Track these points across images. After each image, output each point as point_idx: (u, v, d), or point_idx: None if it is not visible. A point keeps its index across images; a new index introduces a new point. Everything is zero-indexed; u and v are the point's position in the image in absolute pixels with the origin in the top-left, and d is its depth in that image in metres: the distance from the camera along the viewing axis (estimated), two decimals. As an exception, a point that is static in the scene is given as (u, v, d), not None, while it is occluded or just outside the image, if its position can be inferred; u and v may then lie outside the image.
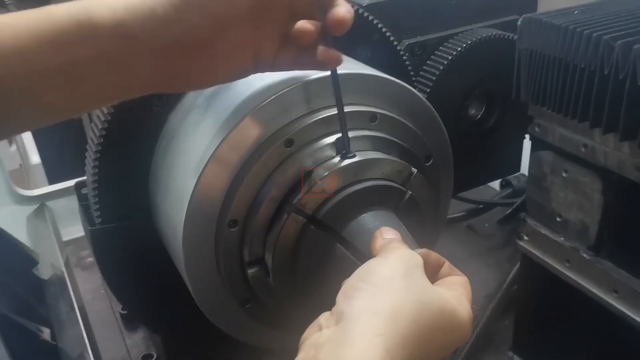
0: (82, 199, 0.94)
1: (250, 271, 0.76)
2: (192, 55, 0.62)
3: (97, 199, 0.86)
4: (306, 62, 0.69)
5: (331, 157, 0.73)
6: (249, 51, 0.66)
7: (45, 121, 0.63)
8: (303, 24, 0.65)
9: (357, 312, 0.52)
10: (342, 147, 0.73)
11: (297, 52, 0.69)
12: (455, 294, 0.59)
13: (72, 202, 1.62)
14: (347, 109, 0.73)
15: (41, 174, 2.14)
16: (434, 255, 0.64)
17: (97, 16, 0.57)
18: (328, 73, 0.73)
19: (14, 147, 2.65)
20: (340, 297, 0.55)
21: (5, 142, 2.41)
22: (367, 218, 0.72)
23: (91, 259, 1.51)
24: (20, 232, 1.52)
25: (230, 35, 0.63)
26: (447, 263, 0.65)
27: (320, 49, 0.66)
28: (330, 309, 0.60)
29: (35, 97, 0.58)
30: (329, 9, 0.64)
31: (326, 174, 0.72)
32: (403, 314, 0.52)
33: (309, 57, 0.68)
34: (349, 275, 0.62)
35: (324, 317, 0.55)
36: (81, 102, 0.62)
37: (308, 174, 0.72)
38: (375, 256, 0.62)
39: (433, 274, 0.63)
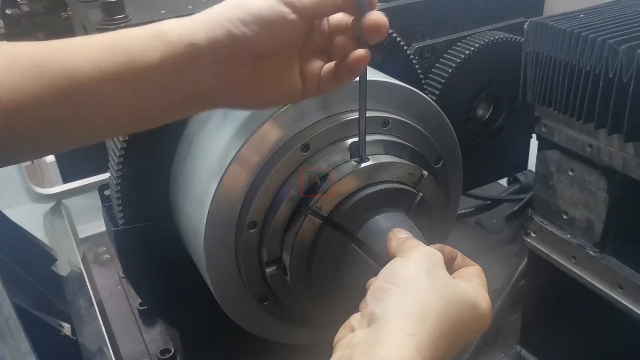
0: (105, 201, 0.97)
1: (269, 270, 0.78)
2: (248, 65, 0.65)
3: (120, 201, 0.89)
4: (342, 74, 0.71)
5: (345, 161, 0.76)
6: (297, 79, 0.68)
7: (104, 134, 0.67)
8: (357, 53, 0.68)
9: (387, 313, 0.55)
10: (357, 151, 0.75)
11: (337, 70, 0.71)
12: (473, 285, 0.62)
13: (88, 200, 1.66)
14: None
15: (55, 171, 2.16)
16: (447, 248, 0.67)
17: (167, 28, 0.62)
18: None
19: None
20: (369, 299, 0.58)
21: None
22: (381, 219, 0.75)
23: (108, 256, 1.54)
24: (37, 230, 1.55)
25: (283, 56, 0.66)
26: (459, 254, 0.67)
27: (350, 55, 0.69)
28: (345, 307, 0.63)
29: (104, 106, 0.61)
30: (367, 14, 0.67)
31: (341, 177, 0.74)
32: (430, 312, 0.55)
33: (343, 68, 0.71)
34: (363, 274, 0.65)
35: (355, 319, 0.58)
36: (144, 112, 0.65)
37: (323, 177, 0.75)
38: (392, 256, 0.65)
39: (448, 267, 0.65)
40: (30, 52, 0.59)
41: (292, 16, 0.63)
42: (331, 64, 0.70)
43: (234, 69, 0.64)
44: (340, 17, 0.69)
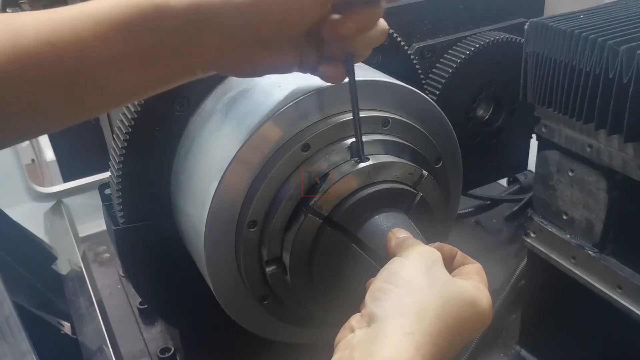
0: (105, 200, 0.97)
1: (269, 269, 0.79)
2: (255, 43, 0.65)
3: (120, 200, 0.89)
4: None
5: (346, 161, 0.76)
6: (295, 55, 0.69)
7: (114, 104, 0.66)
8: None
9: (386, 313, 0.56)
10: (357, 151, 0.76)
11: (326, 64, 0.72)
12: (473, 283, 0.62)
13: (88, 199, 1.66)
14: (360, 114, 0.76)
15: (55, 170, 2.17)
16: (446, 247, 0.67)
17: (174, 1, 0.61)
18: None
19: (25, 143, 2.67)
20: (369, 300, 0.58)
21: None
22: (381, 219, 0.75)
23: (108, 255, 1.54)
24: (37, 229, 1.55)
25: (291, 40, 0.67)
26: (459, 252, 0.67)
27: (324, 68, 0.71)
28: (345, 307, 0.63)
29: (115, 78, 0.61)
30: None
31: (341, 177, 0.75)
32: (429, 311, 0.56)
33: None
34: (363, 274, 0.65)
35: (354, 319, 0.58)
36: (151, 82, 0.65)
37: (324, 177, 0.75)
38: (392, 255, 0.65)
39: (448, 265, 0.65)
40: (33, 27, 0.58)
41: (309, 2, 0.63)
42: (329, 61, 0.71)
43: (241, 46, 0.64)
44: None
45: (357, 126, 0.74)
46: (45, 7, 1.97)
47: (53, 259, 1.44)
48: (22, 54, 0.56)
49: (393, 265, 0.62)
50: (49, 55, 0.57)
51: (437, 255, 0.63)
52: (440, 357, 0.55)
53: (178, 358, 1.15)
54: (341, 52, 0.70)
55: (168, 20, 0.60)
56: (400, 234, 0.69)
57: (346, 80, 0.73)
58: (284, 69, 0.71)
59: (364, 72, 0.84)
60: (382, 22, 0.70)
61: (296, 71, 0.72)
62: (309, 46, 0.69)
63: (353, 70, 0.72)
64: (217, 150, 0.79)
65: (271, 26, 0.64)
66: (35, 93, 0.58)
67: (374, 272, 0.62)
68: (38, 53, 0.57)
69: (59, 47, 0.57)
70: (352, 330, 0.57)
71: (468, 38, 1.11)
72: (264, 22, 0.63)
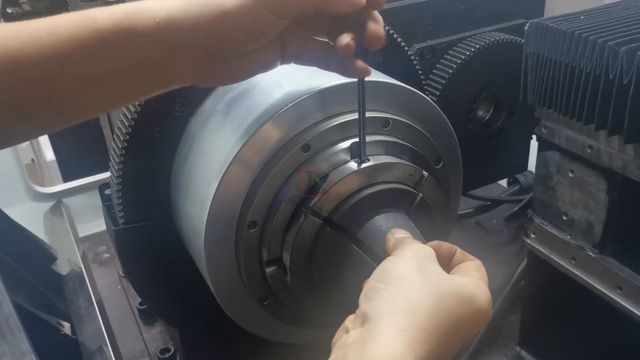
0: (105, 200, 0.97)
1: (269, 270, 0.79)
2: (228, 59, 0.66)
3: (120, 200, 0.89)
4: (331, 64, 0.72)
5: (346, 161, 0.76)
6: (277, 49, 0.69)
7: (87, 116, 0.66)
8: (347, 40, 0.67)
9: (378, 312, 0.55)
10: (357, 152, 0.76)
11: (322, 51, 0.71)
12: (471, 279, 0.61)
13: (88, 199, 1.66)
14: (359, 114, 0.76)
15: (55, 170, 2.17)
16: (445, 245, 0.67)
17: (140, 25, 0.61)
18: (341, 81, 0.76)
19: (25, 143, 2.67)
20: (362, 300, 0.58)
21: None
22: (381, 220, 0.75)
23: (107, 255, 1.54)
24: (37, 229, 1.55)
25: (262, 47, 0.67)
26: (458, 250, 0.67)
27: (357, 62, 0.69)
28: (345, 307, 0.63)
29: (79, 98, 0.62)
30: (367, 23, 0.68)
31: (341, 177, 0.75)
32: (421, 308, 0.55)
33: (334, 59, 0.71)
34: (363, 275, 0.65)
35: (349, 320, 0.58)
36: (123, 99, 0.66)
37: (324, 177, 0.75)
38: (389, 255, 0.65)
39: (447, 262, 0.65)
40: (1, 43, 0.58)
41: (271, 17, 0.63)
42: (316, 41, 0.70)
43: (215, 62, 0.65)
44: None
45: (361, 126, 0.74)
46: (45, 7, 1.94)
47: (53, 259, 1.44)
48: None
49: (386, 264, 0.62)
50: (13, 70, 0.57)
51: (431, 252, 0.62)
52: (437, 353, 0.55)
53: (178, 358, 1.15)
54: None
55: (135, 46, 0.61)
56: (398, 234, 0.69)
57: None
58: (266, 69, 0.71)
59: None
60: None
61: (279, 64, 0.72)
62: (289, 38, 0.69)
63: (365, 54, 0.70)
64: (217, 151, 0.79)
65: (237, 45, 0.64)
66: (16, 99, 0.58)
67: (372, 273, 0.62)
68: (2, 70, 0.57)
69: (23, 64, 0.57)
70: (347, 331, 0.57)
71: (468, 39, 1.11)
72: (230, 42, 0.63)
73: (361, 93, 0.72)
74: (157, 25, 0.61)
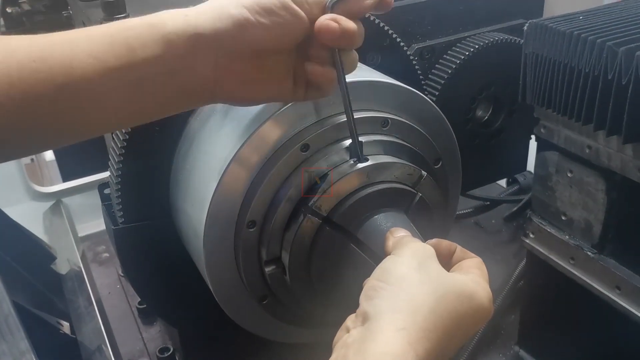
0: (105, 199, 0.97)
1: (268, 269, 0.79)
2: (251, 61, 0.65)
3: (119, 199, 0.89)
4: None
5: (345, 161, 0.76)
6: (290, 77, 0.69)
7: (104, 128, 0.67)
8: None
9: (379, 311, 0.56)
10: (356, 152, 0.76)
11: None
12: (471, 277, 0.61)
13: (88, 199, 1.66)
14: (359, 114, 0.76)
15: (55, 170, 2.17)
16: (444, 242, 0.67)
17: (168, 18, 0.62)
18: None
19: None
20: (362, 299, 0.59)
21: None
22: (380, 219, 0.75)
23: (107, 255, 1.55)
24: (37, 228, 1.55)
25: (286, 56, 0.67)
26: (458, 247, 0.67)
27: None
28: (344, 307, 0.63)
29: (103, 100, 0.61)
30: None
31: (340, 177, 0.75)
32: (422, 307, 0.55)
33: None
34: (362, 274, 0.65)
35: (350, 320, 0.59)
36: (140, 106, 0.65)
37: (323, 177, 0.75)
38: (389, 254, 0.65)
39: (447, 260, 0.65)
40: (26, 46, 0.58)
41: (302, 14, 0.63)
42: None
43: (237, 63, 0.65)
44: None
45: (353, 126, 0.74)
46: (45, 7, 1.95)
47: (52, 258, 1.44)
48: (12, 68, 0.56)
49: (386, 263, 0.62)
50: (38, 70, 0.57)
51: (430, 251, 0.63)
52: (437, 351, 0.55)
53: (177, 358, 1.15)
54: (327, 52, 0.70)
55: (162, 38, 0.61)
56: (398, 233, 0.69)
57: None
58: (281, 94, 0.71)
59: (363, 73, 0.85)
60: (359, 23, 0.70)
61: (289, 101, 0.72)
62: (298, 69, 0.69)
63: (342, 67, 0.71)
64: (216, 150, 0.80)
65: (266, 40, 0.64)
66: (21, 111, 0.58)
67: (372, 272, 0.62)
68: (29, 68, 0.57)
69: (49, 62, 0.57)
70: (348, 330, 0.57)
71: (467, 39, 1.11)
72: (259, 35, 0.63)
73: (346, 93, 0.73)
74: (185, 19, 0.62)
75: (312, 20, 0.65)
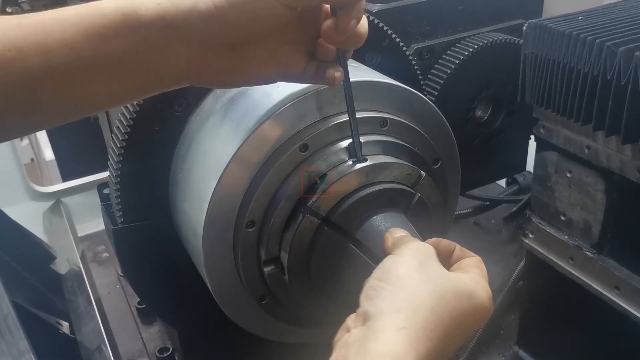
0: (104, 199, 0.97)
1: (267, 269, 0.79)
2: (226, 52, 0.65)
3: (119, 199, 0.89)
4: (322, 77, 0.72)
5: (344, 161, 0.76)
6: (280, 62, 0.68)
7: (85, 112, 0.66)
8: (332, 74, 0.69)
9: (379, 310, 0.56)
10: (355, 152, 0.76)
11: (318, 68, 0.71)
12: (471, 276, 0.61)
13: (87, 199, 1.66)
14: (358, 114, 0.76)
15: (55, 170, 2.17)
16: (444, 242, 0.67)
17: (142, 8, 0.61)
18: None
19: (25, 142, 2.68)
20: (363, 299, 0.59)
21: (17, 137, 2.43)
22: (379, 219, 0.75)
23: (107, 254, 1.55)
24: (36, 228, 1.56)
25: (265, 43, 0.66)
26: (457, 247, 0.67)
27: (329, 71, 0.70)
28: (343, 306, 0.63)
29: (81, 87, 0.61)
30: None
31: (339, 177, 0.75)
32: (422, 306, 0.56)
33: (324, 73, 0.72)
34: (361, 274, 0.65)
35: (350, 319, 0.59)
36: (122, 92, 0.65)
37: (322, 177, 0.75)
38: (389, 254, 0.65)
39: (446, 259, 0.65)
40: (2, 30, 0.58)
41: (274, 4, 0.62)
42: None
43: (210, 55, 0.64)
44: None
45: (354, 127, 0.74)
46: (45, 6, 1.96)
47: (52, 258, 1.44)
48: None
49: (386, 263, 0.62)
50: (14, 59, 0.57)
51: (430, 250, 0.63)
52: (438, 351, 0.55)
53: (176, 358, 1.16)
54: (332, 52, 0.70)
55: (135, 29, 0.61)
56: (397, 233, 0.69)
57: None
58: (264, 79, 0.70)
59: (362, 73, 0.85)
60: (364, 19, 0.69)
61: (280, 81, 0.71)
62: (294, 56, 0.69)
63: (347, 66, 0.71)
64: (215, 150, 0.80)
65: (237, 32, 0.63)
66: None
67: (371, 272, 0.62)
68: (3, 57, 0.57)
69: (24, 51, 0.57)
70: (348, 330, 0.57)
71: (467, 39, 1.11)
72: (230, 27, 0.63)
73: (348, 93, 0.73)
74: (158, 8, 0.61)
75: (290, 7, 0.63)
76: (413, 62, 1.03)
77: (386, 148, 0.80)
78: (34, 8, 1.90)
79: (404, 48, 1.01)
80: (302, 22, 0.67)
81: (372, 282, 0.59)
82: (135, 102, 0.84)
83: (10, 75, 0.58)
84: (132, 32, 0.60)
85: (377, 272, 0.61)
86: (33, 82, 0.59)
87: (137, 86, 0.65)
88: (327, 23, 0.66)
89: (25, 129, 0.68)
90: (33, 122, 0.65)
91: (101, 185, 1.01)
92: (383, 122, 0.81)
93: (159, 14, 0.61)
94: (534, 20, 0.87)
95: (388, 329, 0.54)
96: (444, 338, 0.56)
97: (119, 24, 0.60)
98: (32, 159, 2.58)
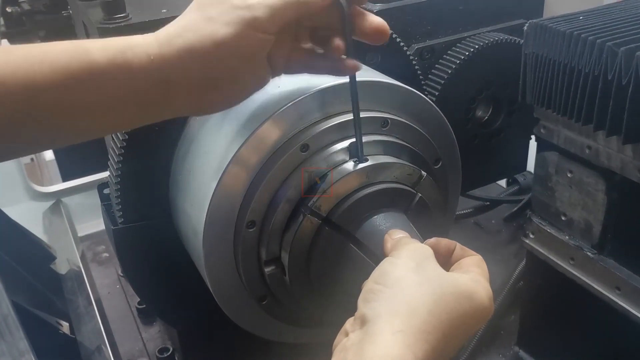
0: (104, 199, 0.97)
1: (267, 270, 0.79)
2: (222, 87, 0.66)
3: (119, 199, 0.89)
4: (321, 67, 0.73)
5: (344, 161, 0.76)
6: (265, 66, 0.69)
7: (76, 141, 0.67)
8: (336, 43, 0.69)
9: (377, 314, 0.55)
10: (356, 152, 0.76)
11: (309, 57, 0.72)
12: (471, 276, 0.61)
13: (87, 199, 1.66)
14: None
15: (55, 170, 2.17)
16: (443, 242, 0.66)
17: (135, 62, 0.61)
18: (340, 81, 0.76)
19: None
20: (360, 302, 0.58)
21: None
22: (379, 219, 0.75)
23: (107, 255, 1.55)
24: (36, 228, 1.55)
25: (252, 65, 0.67)
26: (458, 246, 0.67)
27: (346, 60, 0.70)
28: (344, 307, 0.63)
29: (72, 123, 0.62)
30: (360, 20, 0.69)
31: (340, 177, 0.75)
32: (419, 308, 0.55)
33: (322, 62, 0.72)
34: (361, 274, 0.65)
35: (349, 323, 0.59)
36: (114, 128, 0.68)
37: (322, 177, 0.75)
38: (387, 256, 0.65)
39: (446, 259, 0.65)
40: None
41: (261, 36, 0.63)
42: (301, 49, 0.71)
43: (208, 93, 0.66)
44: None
45: (358, 126, 0.74)
46: (45, 6, 1.93)
47: (52, 258, 1.44)
48: None
49: (383, 265, 0.62)
50: (2, 96, 0.57)
51: (428, 251, 0.62)
52: (437, 352, 0.54)
53: (176, 358, 1.15)
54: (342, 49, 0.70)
55: (130, 79, 0.61)
56: (396, 235, 0.69)
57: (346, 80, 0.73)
58: (258, 88, 0.71)
59: (363, 73, 0.84)
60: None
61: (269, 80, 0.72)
62: (274, 51, 0.69)
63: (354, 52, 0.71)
64: (216, 150, 0.79)
65: (235, 65, 0.65)
66: None
67: (371, 273, 0.62)
68: None
69: (12, 89, 0.57)
70: (347, 334, 0.57)
71: (467, 39, 1.11)
72: (229, 62, 0.64)
73: (354, 91, 0.73)
74: (151, 62, 0.61)
75: (273, 33, 0.64)
76: (414, 62, 1.03)
77: (387, 148, 0.79)
78: (33, 8, 1.90)
79: (405, 48, 1.01)
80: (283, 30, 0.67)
81: (370, 285, 0.59)
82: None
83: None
84: (125, 83, 0.61)
85: (375, 274, 0.61)
86: (20, 114, 0.59)
87: (132, 122, 0.67)
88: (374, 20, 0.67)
89: (12, 154, 0.68)
90: (21, 148, 0.66)
91: (101, 185, 1.01)
92: (384, 122, 0.80)
93: (153, 68, 0.61)
94: (534, 20, 0.87)
95: (385, 332, 0.53)
96: (442, 340, 0.55)
97: (111, 74, 0.60)
98: (32, 159, 2.57)
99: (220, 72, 0.64)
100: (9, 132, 0.60)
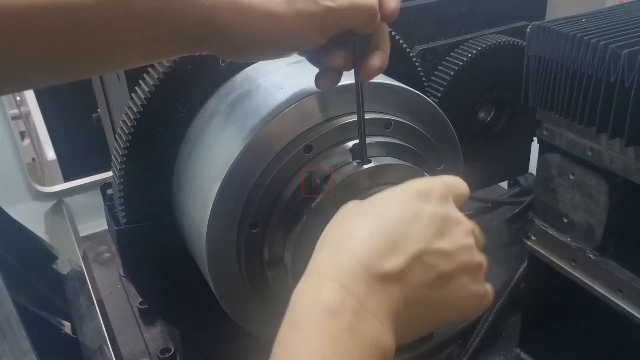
0: (107, 200, 0.97)
1: (270, 271, 0.79)
2: (254, 52, 0.67)
3: (122, 200, 0.89)
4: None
5: (347, 163, 0.76)
6: (303, 32, 0.66)
7: (110, 68, 0.69)
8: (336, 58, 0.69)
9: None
10: (359, 153, 0.76)
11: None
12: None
13: (89, 199, 1.66)
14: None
15: (56, 170, 2.17)
16: None
17: (192, 5, 0.60)
18: (343, 83, 0.76)
19: (27, 142, 2.68)
20: None
21: (18, 136, 2.44)
22: None
23: (108, 255, 1.55)
24: (38, 228, 1.55)
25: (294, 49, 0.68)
26: None
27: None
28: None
29: (107, 48, 0.60)
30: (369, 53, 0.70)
31: (342, 178, 0.75)
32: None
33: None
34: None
35: None
36: (146, 58, 0.66)
37: (325, 178, 0.75)
38: None
39: None
40: None
41: (312, 32, 0.64)
42: None
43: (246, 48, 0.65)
44: None
45: (362, 127, 0.74)
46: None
47: (54, 258, 1.44)
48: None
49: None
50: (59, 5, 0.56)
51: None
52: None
53: (178, 358, 1.15)
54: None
55: (178, 19, 0.60)
56: None
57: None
58: (288, 46, 0.68)
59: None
60: None
61: (301, 49, 0.70)
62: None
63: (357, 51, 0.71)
64: (219, 151, 0.80)
65: (281, 45, 0.66)
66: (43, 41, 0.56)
67: None
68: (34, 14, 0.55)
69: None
70: None
71: (470, 41, 1.11)
72: (276, 39, 0.64)
73: (360, 94, 0.73)
74: (206, 8, 0.60)
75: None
76: (416, 64, 1.03)
77: (390, 149, 0.79)
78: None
79: (407, 50, 1.01)
80: None
81: None
82: (139, 103, 0.84)
83: (45, 28, 0.56)
84: (171, 19, 0.60)
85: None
86: (67, 31, 0.57)
87: (164, 53, 0.65)
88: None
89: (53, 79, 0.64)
90: (62, 74, 0.63)
91: (104, 185, 1.01)
92: (387, 123, 0.81)
93: (206, 13, 0.60)
94: (537, 22, 0.88)
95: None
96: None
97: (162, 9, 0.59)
98: (33, 159, 2.58)
99: (263, 44, 0.64)
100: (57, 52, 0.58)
